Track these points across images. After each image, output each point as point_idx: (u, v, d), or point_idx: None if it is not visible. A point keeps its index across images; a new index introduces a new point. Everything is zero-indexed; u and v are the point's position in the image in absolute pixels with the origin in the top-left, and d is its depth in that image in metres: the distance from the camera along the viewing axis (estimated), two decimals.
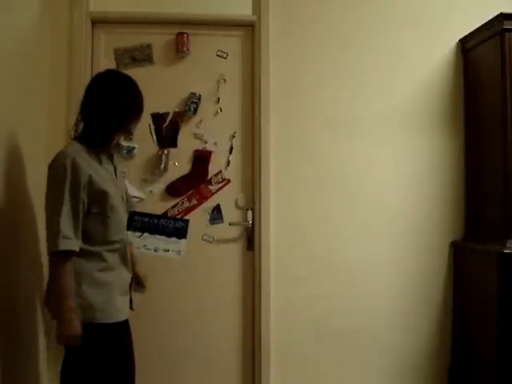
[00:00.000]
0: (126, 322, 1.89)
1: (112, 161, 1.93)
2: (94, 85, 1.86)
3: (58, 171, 1.71)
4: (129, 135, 1.98)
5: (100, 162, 1.83)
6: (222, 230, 2.77)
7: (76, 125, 1.87)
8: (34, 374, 2.22)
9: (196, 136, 2.77)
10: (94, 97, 1.83)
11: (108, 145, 1.85)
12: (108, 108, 1.79)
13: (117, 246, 1.85)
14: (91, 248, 1.76)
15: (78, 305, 1.70)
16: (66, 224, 1.67)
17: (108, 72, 1.93)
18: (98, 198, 1.77)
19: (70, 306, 1.67)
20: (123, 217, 1.90)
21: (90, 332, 1.73)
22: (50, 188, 1.74)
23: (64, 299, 1.67)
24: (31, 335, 2.17)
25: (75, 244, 1.70)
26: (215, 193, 2.78)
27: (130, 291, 1.95)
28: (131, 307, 1.95)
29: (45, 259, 1.90)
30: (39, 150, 2.39)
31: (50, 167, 1.76)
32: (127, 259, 1.91)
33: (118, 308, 1.81)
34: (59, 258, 1.68)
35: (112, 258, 1.82)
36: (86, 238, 1.75)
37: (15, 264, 2.02)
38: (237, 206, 2.79)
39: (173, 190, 2.75)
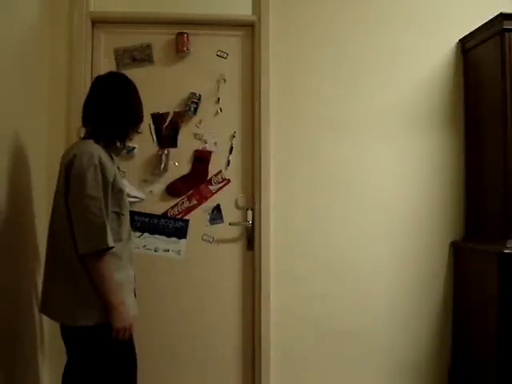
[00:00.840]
0: None
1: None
2: (104, 87, 1.90)
3: (89, 170, 1.72)
4: (135, 135, 2.03)
5: (113, 162, 1.88)
6: (222, 230, 2.77)
7: (84, 125, 1.91)
8: (33, 377, 2.22)
9: (196, 136, 2.77)
10: (107, 99, 1.87)
11: (123, 145, 1.92)
12: (124, 109, 1.87)
13: (127, 244, 1.89)
14: None
15: (95, 306, 1.73)
16: (106, 221, 1.72)
17: (114, 74, 1.99)
18: (116, 197, 1.82)
19: (120, 301, 1.74)
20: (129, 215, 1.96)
21: (103, 332, 1.75)
22: (83, 187, 1.71)
23: (114, 294, 1.72)
24: (32, 338, 2.16)
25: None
26: (215, 193, 2.78)
27: (134, 289, 1.95)
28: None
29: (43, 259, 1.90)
30: (39, 150, 2.39)
31: (73, 166, 1.74)
32: (133, 258, 1.95)
33: (129, 307, 1.82)
34: (101, 255, 1.71)
35: (125, 256, 1.85)
36: None
37: (17, 263, 2.02)
38: (237, 206, 2.79)
39: (173, 189, 2.75)
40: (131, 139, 2.63)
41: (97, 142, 1.83)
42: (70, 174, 1.74)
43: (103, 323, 1.74)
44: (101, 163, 1.75)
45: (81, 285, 1.74)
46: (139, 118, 1.95)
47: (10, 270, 1.94)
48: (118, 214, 1.84)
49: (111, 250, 1.75)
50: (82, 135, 1.94)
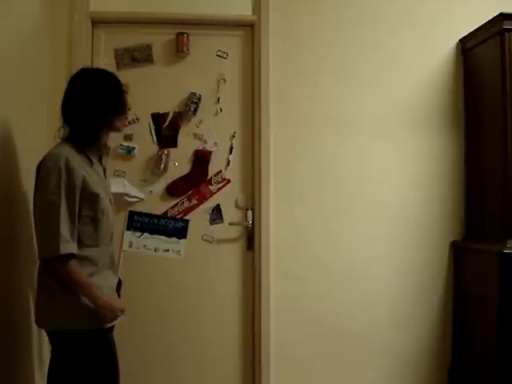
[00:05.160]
0: (111, 327, 1.85)
1: (101, 162, 1.90)
2: (72, 85, 1.82)
3: (52, 173, 1.67)
4: (116, 132, 1.93)
5: (91, 164, 1.80)
6: (222, 230, 2.77)
7: (62, 126, 1.83)
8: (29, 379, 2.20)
9: (196, 136, 2.77)
10: (74, 97, 1.80)
11: (96, 144, 1.82)
12: (88, 106, 1.76)
13: (106, 249, 1.83)
14: (81, 251, 1.72)
15: (66, 312, 1.70)
16: (64, 227, 1.66)
17: (83, 71, 1.88)
18: (89, 201, 1.74)
19: (97, 295, 1.70)
20: (112, 219, 1.88)
21: (79, 339, 1.72)
22: (44, 190, 1.68)
23: (89, 292, 1.69)
24: (26, 338, 2.14)
25: (74, 247, 1.69)
26: (215, 193, 2.78)
27: (119, 296, 1.92)
28: None
29: None
30: (39, 151, 2.38)
31: (40, 168, 1.72)
32: (115, 263, 1.91)
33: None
34: (60, 261, 1.66)
35: (101, 262, 1.80)
36: (77, 241, 1.72)
37: (12, 267, 2.01)
38: (237, 206, 2.79)
39: (173, 190, 2.75)
40: (131, 139, 2.70)
41: (72, 143, 1.77)
42: (37, 177, 1.73)
43: (76, 330, 1.71)
44: (67, 166, 1.67)
45: (50, 289, 1.72)
46: (112, 114, 1.81)
47: (5, 271, 1.93)
48: (94, 219, 1.76)
49: (83, 255, 1.71)
50: (59, 137, 1.86)
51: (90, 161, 1.81)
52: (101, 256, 1.80)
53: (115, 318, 1.75)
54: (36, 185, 1.74)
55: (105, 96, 1.79)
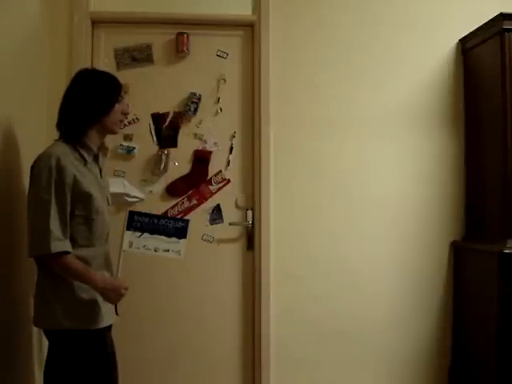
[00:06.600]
0: (109, 327, 1.85)
1: (97, 162, 1.89)
2: (69, 85, 1.85)
3: (43, 171, 1.67)
4: (111, 133, 1.90)
5: (85, 163, 1.80)
6: (222, 230, 2.77)
7: (58, 125, 1.83)
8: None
9: (196, 136, 2.77)
10: (65, 97, 1.83)
11: (84, 143, 1.80)
12: (76, 105, 1.78)
13: (100, 249, 1.83)
14: (75, 251, 1.71)
15: (59, 311, 1.70)
16: (55, 225, 1.65)
17: (77, 73, 1.88)
18: (82, 200, 1.73)
19: (96, 279, 1.71)
20: (107, 219, 1.87)
21: (74, 339, 1.72)
22: (35, 189, 1.69)
23: (88, 279, 1.70)
24: (27, 338, 2.14)
25: (67, 245, 1.68)
26: (215, 193, 2.78)
27: (116, 312, 1.90)
28: (116, 312, 1.90)
29: None
30: (39, 151, 2.38)
31: (34, 167, 1.73)
32: (110, 263, 1.90)
33: (102, 313, 1.77)
34: (54, 259, 1.67)
35: (95, 262, 1.79)
36: (70, 240, 1.71)
37: (12, 265, 2.01)
38: (237, 206, 2.79)
39: (173, 190, 2.75)
40: (131, 139, 2.70)
41: (67, 142, 1.77)
42: (31, 176, 1.74)
43: (71, 330, 1.71)
44: (58, 164, 1.67)
45: (44, 288, 1.74)
46: (97, 113, 1.79)
47: (6, 268, 1.94)
48: (87, 219, 1.75)
49: (77, 255, 1.70)
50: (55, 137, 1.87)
51: (85, 160, 1.80)
52: (95, 256, 1.80)
53: (120, 296, 1.76)
54: (29, 184, 1.75)
55: (91, 96, 1.79)
